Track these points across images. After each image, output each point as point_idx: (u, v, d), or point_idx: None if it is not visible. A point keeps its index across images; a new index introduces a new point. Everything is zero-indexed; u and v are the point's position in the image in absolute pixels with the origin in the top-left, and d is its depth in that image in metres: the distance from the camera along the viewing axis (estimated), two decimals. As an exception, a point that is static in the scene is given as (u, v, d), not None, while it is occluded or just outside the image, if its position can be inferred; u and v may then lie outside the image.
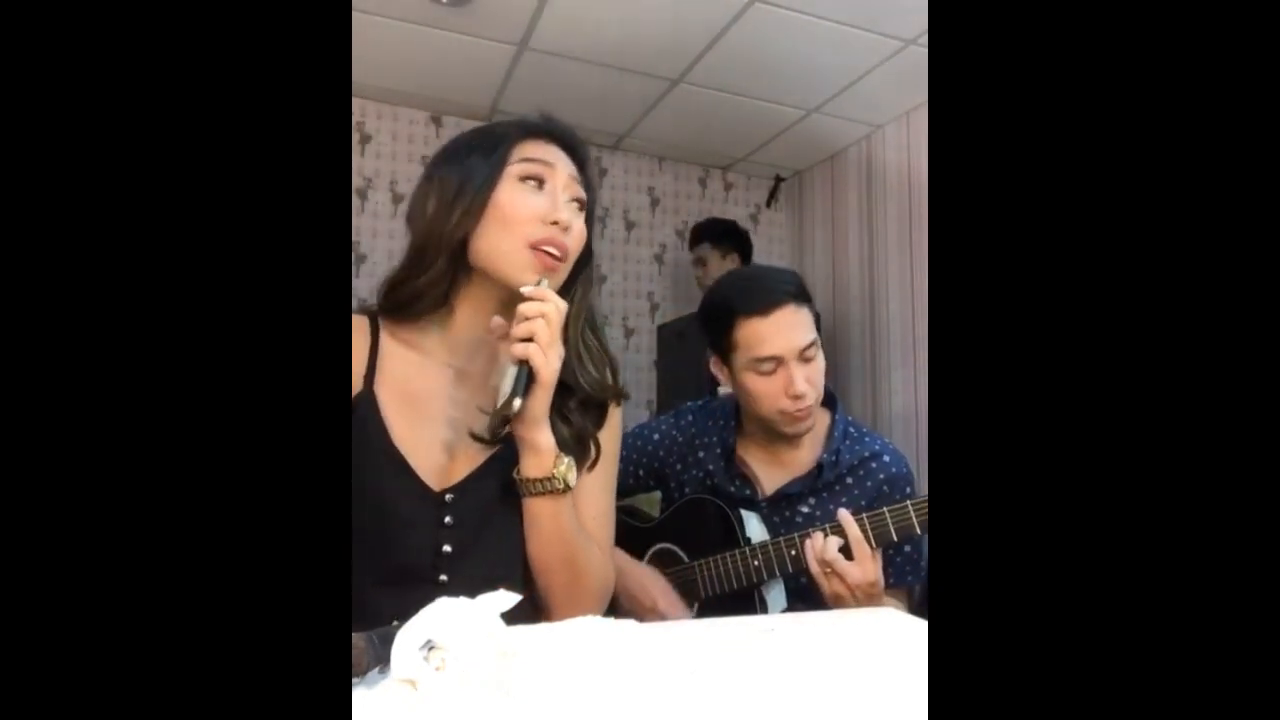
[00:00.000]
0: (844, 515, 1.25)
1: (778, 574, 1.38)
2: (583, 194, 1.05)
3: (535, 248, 0.98)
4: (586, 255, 1.10)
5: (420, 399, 1.02)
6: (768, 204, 3.92)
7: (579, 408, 1.06)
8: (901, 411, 3.10)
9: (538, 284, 0.94)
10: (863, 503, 1.46)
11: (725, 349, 1.47)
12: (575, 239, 1.01)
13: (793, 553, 1.34)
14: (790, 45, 2.62)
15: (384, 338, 1.03)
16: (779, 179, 3.88)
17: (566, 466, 0.96)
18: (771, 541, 1.39)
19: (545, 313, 0.91)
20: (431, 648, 0.51)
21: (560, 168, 1.03)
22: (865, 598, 1.22)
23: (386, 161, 3.26)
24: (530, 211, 0.99)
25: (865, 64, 2.75)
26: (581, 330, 1.08)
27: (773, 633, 0.69)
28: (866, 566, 1.23)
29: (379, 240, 3.19)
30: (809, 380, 1.43)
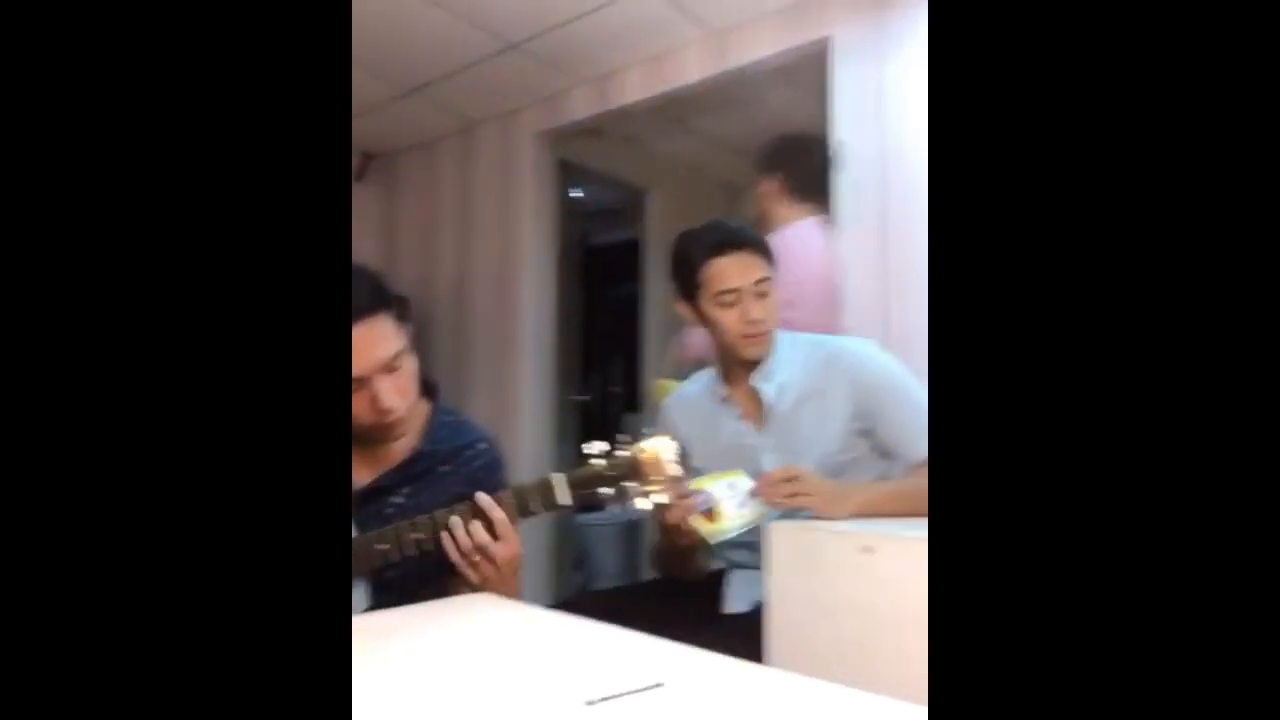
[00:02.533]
0: (484, 498, 1.28)
1: (364, 570, 1.36)
2: None
3: None
4: None
5: None
6: (356, 179, 3.82)
7: None
8: (485, 403, 3.15)
9: None
10: (457, 490, 1.47)
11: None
12: None
13: (383, 545, 1.33)
14: (393, 24, 2.60)
15: None
16: (368, 156, 3.78)
17: None
18: (361, 537, 1.37)
19: None
20: None
21: None
22: (511, 572, 1.28)
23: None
24: None
25: (468, 58, 2.75)
26: None
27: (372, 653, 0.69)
28: (512, 541, 1.27)
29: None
30: (398, 389, 1.46)
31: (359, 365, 1.39)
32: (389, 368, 1.41)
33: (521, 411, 3.08)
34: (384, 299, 1.45)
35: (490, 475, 1.50)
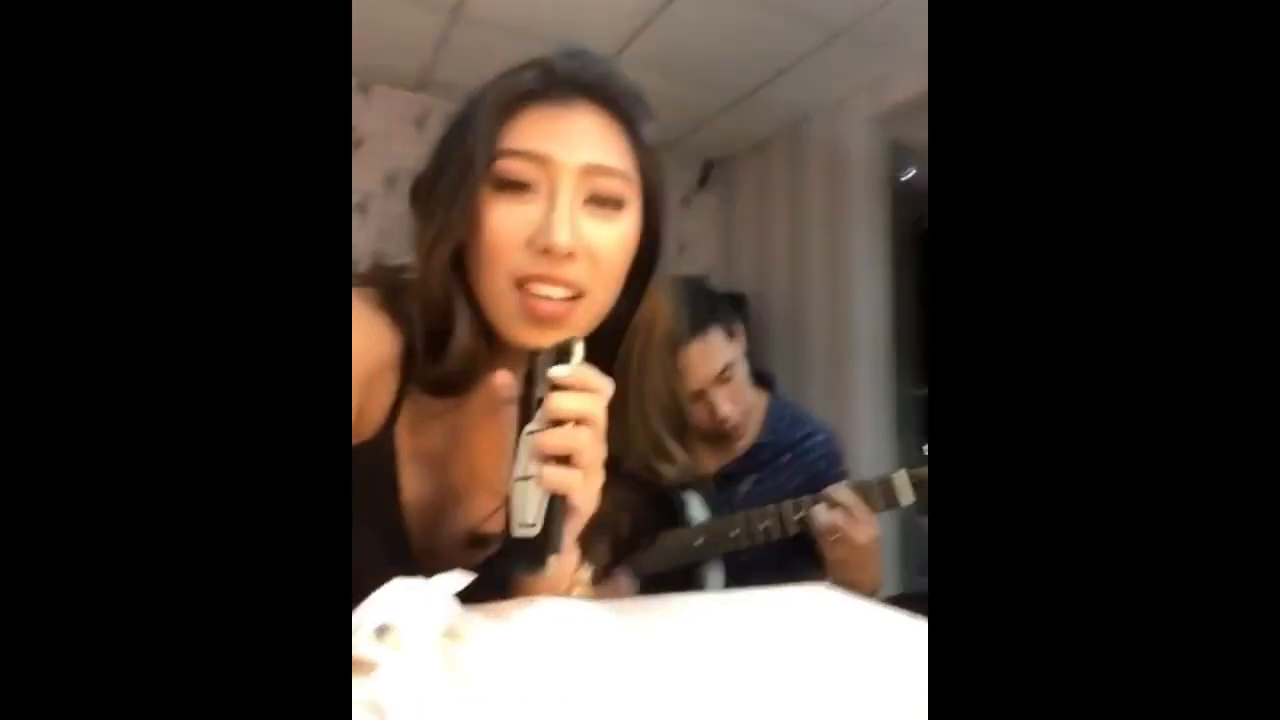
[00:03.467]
0: (835, 489, 1.34)
1: (717, 553, 1.42)
2: (612, 187, 0.69)
3: (524, 288, 0.68)
4: (643, 273, 0.75)
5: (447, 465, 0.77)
6: (699, 187, 3.91)
7: (627, 502, 0.78)
8: (822, 394, 3.14)
9: (566, 356, 0.63)
10: (798, 479, 1.53)
11: None
12: (594, 265, 0.69)
13: (733, 533, 1.38)
14: (722, 31, 2.64)
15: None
16: (710, 163, 3.89)
17: (585, 579, 0.74)
18: (713, 522, 1.42)
19: (586, 415, 0.61)
20: (385, 629, 0.50)
21: (563, 153, 0.67)
22: (869, 557, 1.33)
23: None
24: (509, 233, 0.67)
25: (796, 53, 2.77)
26: (650, 402, 0.76)
27: (718, 628, 0.68)
28: (870, 525, 1.32)
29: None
30: (732, 399, 1.48)
31: (694, 380, 1.41)
32: (722, 379, 1.43)
33: (859, 405, 2.99)
34: (716, 312, 1.46)
35: (830, 466, 1.56)
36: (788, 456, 1.57)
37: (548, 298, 0.67)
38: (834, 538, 1.33)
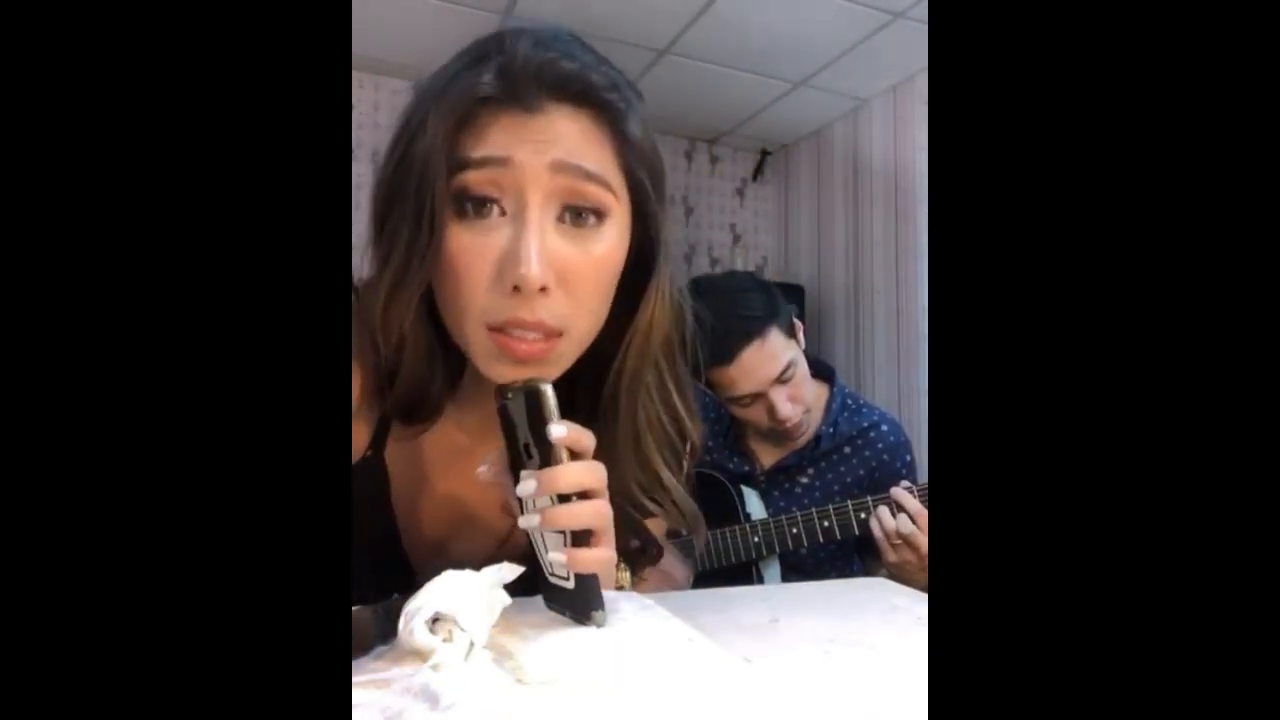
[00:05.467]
0: (901, 493, 1.30)
1: (776, 550, 1.42)
2: (590, 193, 0.61)
3: (498, 331, 0.60)
4: (638, 280, 0.67)
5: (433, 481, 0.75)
6: (754, 177, 3.90)
7: (627, 526, 0.72)
8: (885, 388, 3.10)
9: (537, 402, 0.57)
10: (860, 472, 1.50)
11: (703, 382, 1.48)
12: (571, 297, 0.61)
13: (794, 530, 1.38)
14: (778, 17, 2.62)
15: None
16: (765, 152, 3.86)
17: (625, 580, 0.75)
18: (773, 519, 1.43)
19: (589, 486, 0.58)
20: (437, 619, 0.51)
21: (528, 153, 0.59)
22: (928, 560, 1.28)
23: (369, 132, 3.21)
24: (475, 270, 0.59)
25: (853, 37, 2.74)
26: (648, 435, 0.70)
27: (777, 623, 0.68)
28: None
29: (360, 213, 3.12)
30: (792, 398, 1.45)
31: (753, 383, 1.42)
32: (782, 379, 1.44)
33: (922, 398, 2.96)
34: (775, 311, 1.46)
35: (894, 459, 1.55)
36: (849, 449, 1.55)
37: (523, 338, 0.60)
38: (896, 541, 1.31)
